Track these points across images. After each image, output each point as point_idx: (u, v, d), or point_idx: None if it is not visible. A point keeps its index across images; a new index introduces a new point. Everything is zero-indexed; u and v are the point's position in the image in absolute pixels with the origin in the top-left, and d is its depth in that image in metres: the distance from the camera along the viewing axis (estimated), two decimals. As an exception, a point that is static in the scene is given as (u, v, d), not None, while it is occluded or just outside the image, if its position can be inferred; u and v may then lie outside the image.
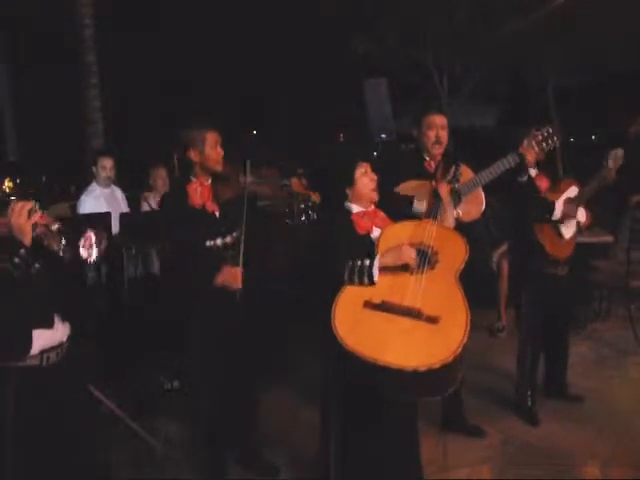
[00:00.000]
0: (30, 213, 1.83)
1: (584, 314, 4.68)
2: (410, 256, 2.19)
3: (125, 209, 4.44)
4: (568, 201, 3.27)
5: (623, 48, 8.99)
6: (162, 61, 10.97)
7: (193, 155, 2.66)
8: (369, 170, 2.46)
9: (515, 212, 3.39)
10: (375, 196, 2.46)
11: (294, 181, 2.90)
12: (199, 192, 2.68)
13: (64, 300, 2.06)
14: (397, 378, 1.90)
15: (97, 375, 3.13)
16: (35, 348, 1.96)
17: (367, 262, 2.16)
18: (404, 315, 2.05)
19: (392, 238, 2.30)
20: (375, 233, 2.39)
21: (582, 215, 3.32)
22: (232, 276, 2.63)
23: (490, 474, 2.89)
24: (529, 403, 3.35)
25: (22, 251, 1.81)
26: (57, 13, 7.76)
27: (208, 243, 2.66)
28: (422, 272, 2.17)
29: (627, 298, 4.46)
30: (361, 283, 2.14)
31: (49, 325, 2.00)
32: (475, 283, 3.92)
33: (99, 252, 1.93)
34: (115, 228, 4.13)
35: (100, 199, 4.25)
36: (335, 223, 2.43)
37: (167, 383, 3.84)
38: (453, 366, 1.93)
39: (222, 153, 2.71)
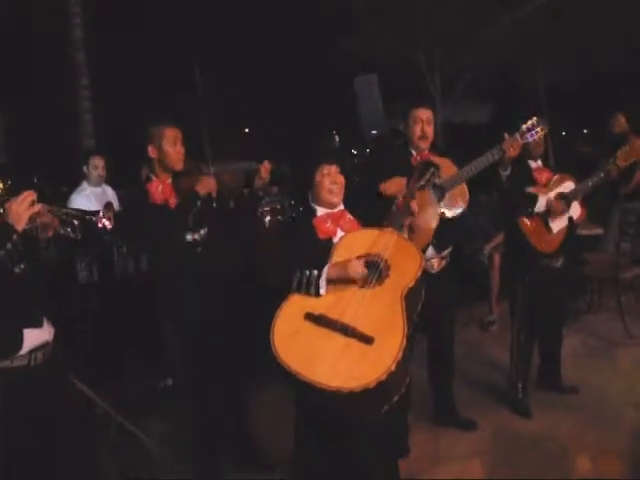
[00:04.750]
0: (32, 203, 1.87)
1: (575, 306, 4.70)
2: (357, 271, 2.11)
3: (117, 207, 4.44)
4: (559, 196, 3.27)
5: (610, 46, 9.04)
6: (157, 59, 10.94)
7: (151, 151, 2.61)
8: (333, 172, 2.39)
9: (504, 205, 3.40)
10: (335, 198, 2.39)
11: (264, 166, 2.78)
12: (160, 189, 2.61)
13: (49, 300, 2.07)
14: (322, 395, 1.87)
15: (89, 374, 3.13)
16: (24, 347, 1.96)
17: (315, 273, 2.11)
18: (339, 332, 1.99)
19: (350, 246, 2.23)
20: (339, 237, 2.34)
21: (576, 210, 3.32)
22: (210, 183, 2.69)
23: (482, 467, 2.89)
24: (520, 395, 3.36)
25: (14, 237, 1.84)
26: (46, 12, 7.73)
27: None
28: (370, 286, 2.11)
29: (617, 290, 4.48)
30: (308, 294, 2.10)
31: (38, 324, 2.01)
32: (466, 276, 3.97)
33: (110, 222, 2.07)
34: (106, 226, 4.12)
35: (91, 198, 4.25)
36: (295, 226, 2.39)
37: (160, 382, 3.83)
38: (380, 389, 1.87)
39: (182, 151, 2.65)
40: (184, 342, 2.70)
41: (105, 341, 3.68)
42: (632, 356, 4.00)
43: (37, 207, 1.88)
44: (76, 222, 1.99)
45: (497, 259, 4.72)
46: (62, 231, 2.00)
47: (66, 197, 4.58)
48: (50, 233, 2.00)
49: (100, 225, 2.02)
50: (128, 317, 3.81)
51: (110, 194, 4.53)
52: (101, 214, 2.03)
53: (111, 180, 4.64)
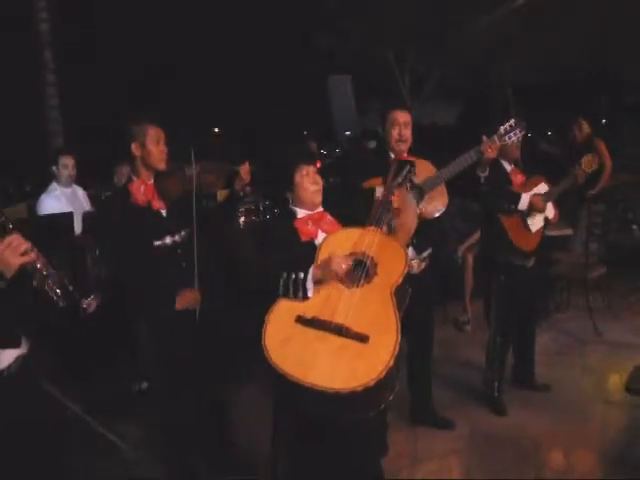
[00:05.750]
0: (25, 252, 1.74)
1: (545, 305, 4.82)
2: (340, 266, 2.10)
3: (88, 208, 4.35)
4: (536, 196, 3.37)
5: (581, 48, 9.27)
6: (127, 54, 10.74)
7: (134, 149, 2.56)
8: (312, 173, 2.40)
9: (483, 204, 3.46)
10: (317, 199, 2.40)
11: (244, 167, 2.75)
12: (142, 190, 2.56)
13: (28, 313, 2.00)
14: (321, 399, 1.84)
15: (63, 379, 3.06)
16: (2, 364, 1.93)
17: (301, 275, 2.10)
18: (333, 332, 1.98)
19: (335, 246, 2.22)
20: (320, 238, 2.33)
21: (550, 211, 3.42)
22: (193, 298, 2.60)
23: (459, 465, 2.95)
24: (496, 393, 3.43)
25: (1, 283, 1.74)
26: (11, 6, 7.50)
27: (156, 243, 2.54)
28: (359, 285, 2.10)
29: (586, 289, 4.61)
30: (295, 297, 2.09)
31: (16, 345, 1.97)
32: (441, 277, 4.02)
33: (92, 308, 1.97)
34: (78, 228, 4.03)
35: (61, 199, 4.14)
36: (275, 229, 2.38)
37: (135, 385, 3.77)
38: (379, 387, 1.86)
39: (165, 150, 2.60)
40: (159, 344, 2.65)
41: (80, 344, 3.60)
42: (600, 353, 4.14)
43: (30, 256, 1.76)
44: (58, 291, 1.87)
45: (470, 259, 4.80)
46: (47, 287, 1.85)
47: (31, 195, 4.46)
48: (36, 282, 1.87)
49: (84, 305, 1.92)
50: (103, 320, 3.73)
51: (80, 195, 4.44)
52: (91, 297, 1.92)
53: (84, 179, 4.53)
